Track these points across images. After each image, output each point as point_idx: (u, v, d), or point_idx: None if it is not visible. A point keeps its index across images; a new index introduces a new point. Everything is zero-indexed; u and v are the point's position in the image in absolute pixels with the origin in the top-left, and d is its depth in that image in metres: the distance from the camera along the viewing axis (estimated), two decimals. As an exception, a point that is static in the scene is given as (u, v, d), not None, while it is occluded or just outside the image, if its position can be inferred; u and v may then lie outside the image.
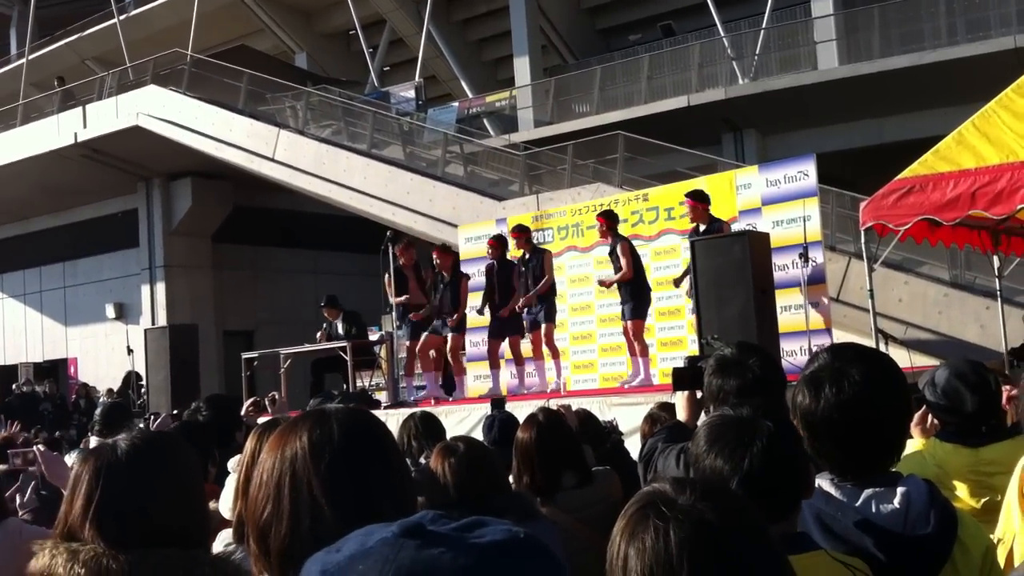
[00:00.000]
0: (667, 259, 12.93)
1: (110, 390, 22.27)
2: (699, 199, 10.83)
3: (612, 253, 11.41)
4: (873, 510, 2.11)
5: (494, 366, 12.43)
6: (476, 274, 13.41)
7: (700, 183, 12.86)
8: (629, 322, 11.33)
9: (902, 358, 9.08)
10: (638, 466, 3.36)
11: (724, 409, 2.14)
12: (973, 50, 18.75)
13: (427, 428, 5.16)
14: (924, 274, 13.98)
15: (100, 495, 1.98)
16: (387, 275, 12.41)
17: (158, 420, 7.55)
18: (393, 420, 9.50)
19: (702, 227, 10.67)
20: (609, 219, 11.52)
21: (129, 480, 2.01)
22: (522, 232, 12.13)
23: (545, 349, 12.07)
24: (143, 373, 16.23)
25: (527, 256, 11.96)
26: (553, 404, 6.37)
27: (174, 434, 3.59)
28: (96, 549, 1.91)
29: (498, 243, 12.33)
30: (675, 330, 12.59)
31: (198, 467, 2.21)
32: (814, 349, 9.31)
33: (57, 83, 27.55)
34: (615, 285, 11.37)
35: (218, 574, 1.96)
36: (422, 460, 4.58)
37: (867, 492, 2.15)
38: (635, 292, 11.30)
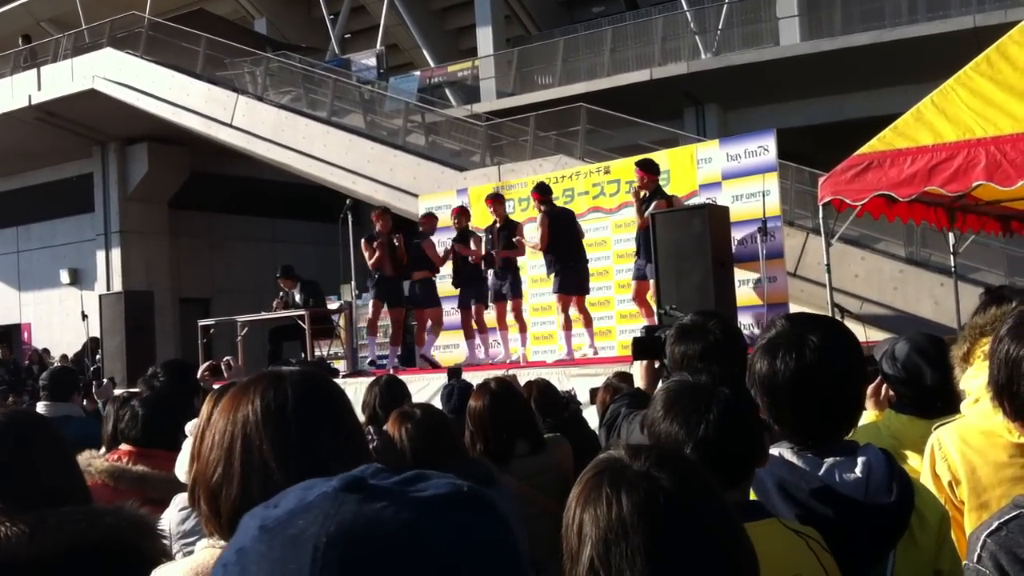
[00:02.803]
0: (628, 232, 12.92)
1: (64, 356, 22.05)
2: (648, 169, 11.03)
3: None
4: (836, 479, 2.11)
5: (469, 336, 12.55)
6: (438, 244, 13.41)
7: (661, 156, 12.90)
8: (555, 295, 11.55)
9: (858, 333, 9.14)
10: (599, 432, 3.38)
11: (683, 374, 2.14)
12: (933, 29, 18.89)
13: (393, 394, 5.13)
14: (880, 250, 14.14)
15: None
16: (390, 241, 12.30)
17: (101, 386, 7.48)
18: (351, 389, 9.49)
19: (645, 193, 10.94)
20: (540, 192, 11.66)
21: (12, 446, 2.03)
22: (497, 200, 12.20)
23: (512, 321, 12.10)
24: (98, 339, 16.07)
25: (498, 224, 12.00)
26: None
27: (34, 412, 3.68)
28: None
29: (462, 213, 12.43)
30: (634, 302, 12.61)
31: (62, 437, 2.24)
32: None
33: (22, 41, 27.03)
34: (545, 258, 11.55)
35: (121, 521, 1.97)
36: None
37: (828, 461, 2.15)
38: (558, 263, 11.44)
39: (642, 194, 10.91)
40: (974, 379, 2.75)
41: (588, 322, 11.72)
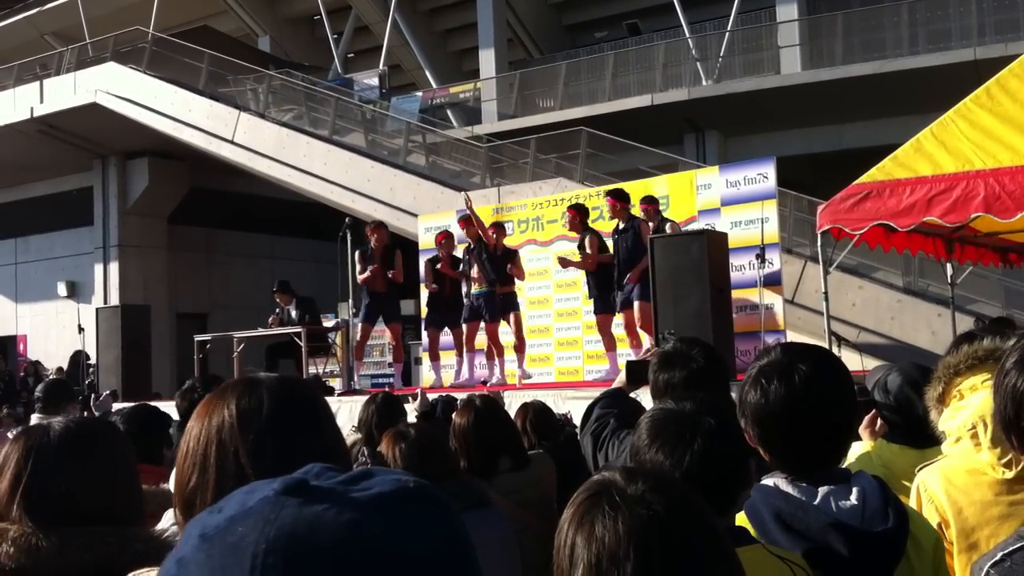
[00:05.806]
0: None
1: (60, 368, 21.99)
2: (619, 198, 11.09)
3: (581, 246, 11.46)
4: (833, 507, 2.11)
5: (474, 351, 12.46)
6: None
7: (661, 182, 12.94)
8: (596, 316, 11.41)
9: (854, 362, 9.17)
10: (584, 440, 3.35)
11: (667, 402, 2.14)
12: (934, 60, 18.97)
13: (390, 412, 5.12)
14: (878, 279, 14.15)
15: (29, 476, 1.96)
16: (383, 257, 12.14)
17: (100, 398, 7.43)
18: (347, 407, 9.48)
19: (622, 225, 10.98)
20: (580, 212, 11.59)
21: (57, 462, 2.00)
22: (500, 229, 12.20)
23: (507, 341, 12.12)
24: (93, 352, 16.02)
25: (498, 252, 12.01)
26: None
27: (108, 421, 3.59)
28: (24, 528, 1.89)
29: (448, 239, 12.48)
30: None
31: (130, 452, 2.19)
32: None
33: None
34: (585, 279, 11.48)
35: (152, 549, 1.94)
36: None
37: (823, 490, 2.15)
38: (601, 286, 11.34)
39: (620, 225, 11.00)
40: (951, 419, 2.74)
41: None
